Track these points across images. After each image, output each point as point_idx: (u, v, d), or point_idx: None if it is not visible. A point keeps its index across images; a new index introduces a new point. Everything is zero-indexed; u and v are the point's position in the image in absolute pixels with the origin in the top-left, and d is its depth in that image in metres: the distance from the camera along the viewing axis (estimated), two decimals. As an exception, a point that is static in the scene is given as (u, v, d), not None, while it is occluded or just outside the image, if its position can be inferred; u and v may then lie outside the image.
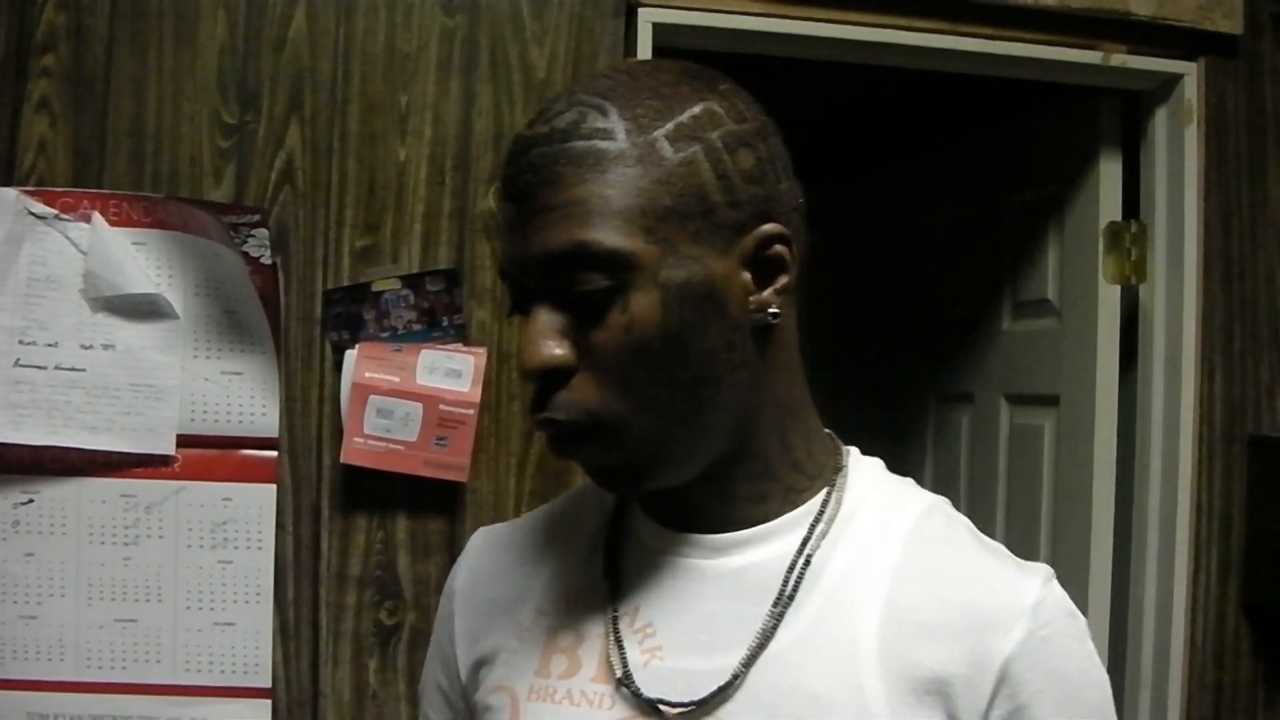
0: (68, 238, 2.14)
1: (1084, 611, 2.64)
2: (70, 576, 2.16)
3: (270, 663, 2.22)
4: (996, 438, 3.38)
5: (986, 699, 1.04)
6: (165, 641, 2.19)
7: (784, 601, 1.10)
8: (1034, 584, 1.09)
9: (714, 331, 1.06)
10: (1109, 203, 2.89)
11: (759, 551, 1.14)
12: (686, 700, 1.09)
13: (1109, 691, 1.12)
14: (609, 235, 1.02)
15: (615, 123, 1.04)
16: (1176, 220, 2.71)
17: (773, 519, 1.15)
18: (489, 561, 1.31)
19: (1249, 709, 2.70)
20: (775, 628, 1.09)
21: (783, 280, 1.11)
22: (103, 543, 2.17)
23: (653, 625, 1.15)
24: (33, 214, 2.13)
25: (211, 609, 2.20)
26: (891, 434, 4.01)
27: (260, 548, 2.22)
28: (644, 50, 2.39)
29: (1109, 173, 2.90)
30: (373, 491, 2.26)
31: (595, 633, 1.17)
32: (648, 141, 1.04)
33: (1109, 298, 2.88)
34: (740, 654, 1.09)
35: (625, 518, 1.24)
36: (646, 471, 1.09)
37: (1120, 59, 2.64)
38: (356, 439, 2.21)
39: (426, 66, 2.29)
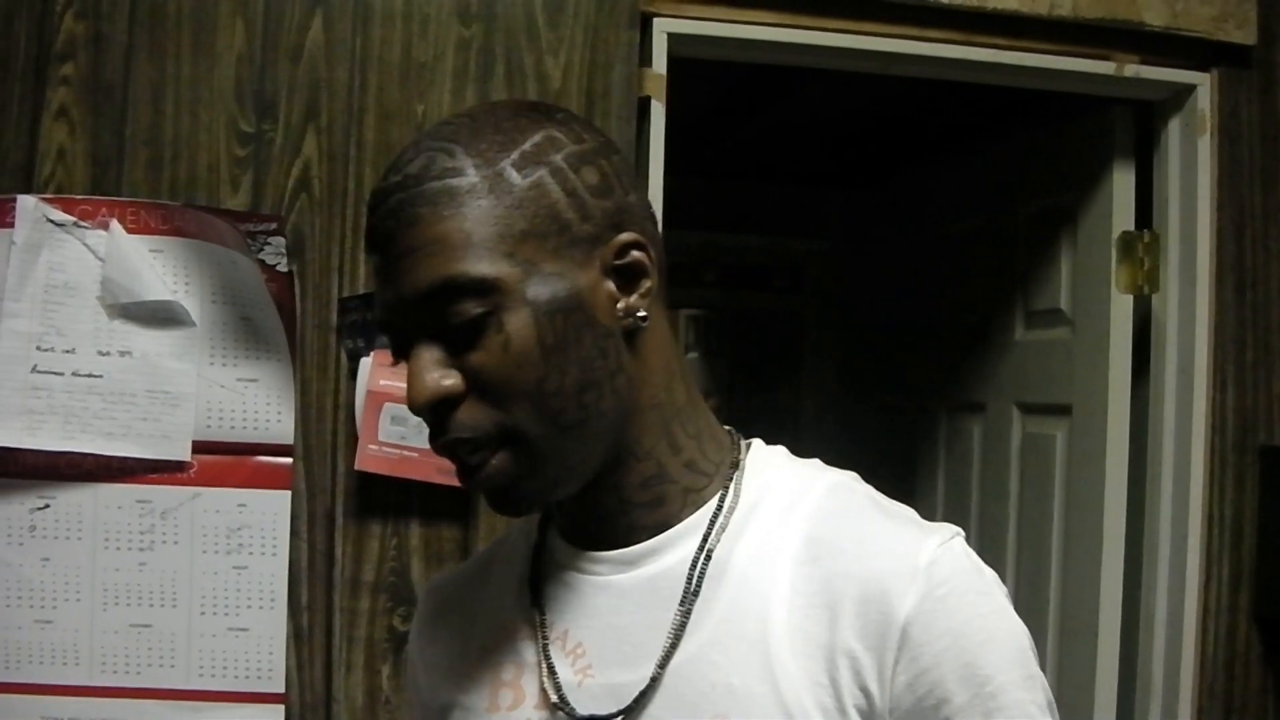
0: (86, 245, 2.16)
1: (1095, 621, 2.66)
2: (85, 581, 2.17)
3: (284, 668, 2.23)
4: (1008, 447, 3.38)
5: (891, 665, 1.04)
6: (179, 646, 2.20)
7: (689, 599, 1.13)
8: (929, 544, 1.08)
9: (587, 340, 1.10)
10: (1122, 212, 2.89)
11: (666, 558, 1.17)
12: (614, 711, 1.12)
13: (1025, 642, 1.09)
14: (473, 265, 1.06)
15: (463, 160, 1.08)
16: (1189, 230, 2.71)
17: (674, 523, 1.17)
18: (439, 613, 1.36)
19: (1259, 719, 2.70)
20: (684, 625, 1.12)
21: (645, 284, 1.14)
22: (118, 548, 2.18)
23: (582, 645, 1.18)
24: (51, 221, 2.14)
25: (226, 614, 2.21)
26: (904, 443, 4.01)
27: (275, 554, 2.23)
28: (659, 61, 2.40)
29: (1122, 182, 2.90)
30: (386, 498, 2.27)
31: (532, 661, 1.20)
32: (495, 172, 1.08)
33: (1121, 307, 2.88)
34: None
35: (546, 544, 1.27)
36: (544, 482, 1.12)
37: (1133, 69, 2.64)
38: (371, 446, 2.22)
39: (443, 76, 2.30)
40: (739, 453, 1.23)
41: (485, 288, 1.05)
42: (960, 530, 1.12)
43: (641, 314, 1.13)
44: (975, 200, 3.59)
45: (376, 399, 2.22)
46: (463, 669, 1.26)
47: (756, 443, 1.26)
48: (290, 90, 2.26)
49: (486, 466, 1.09)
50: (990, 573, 1.11)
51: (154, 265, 2.18)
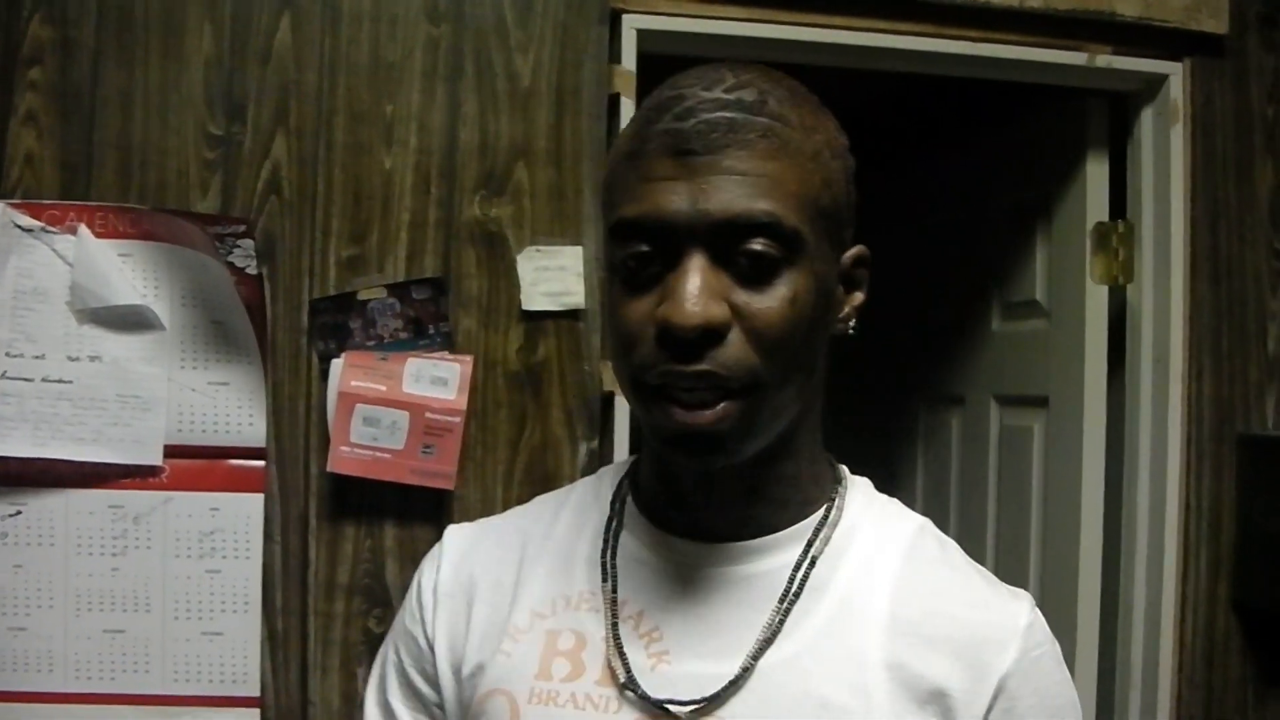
0: (54, 250, 2.14)
1: (1074, 612, 2.65)
2: (59, 588, 2.16)
3: (259, 672, 2.22)
4: (987, 439, 3.38)
5: (984, 710, 1.09)
6: (154, 652, 2.19)
7: (789, 599, 1.14)
8: (1024, 608, 1.16)
9: (822, 328, 1.14)
10: (1096, 203, 2.89)
11: (769, 560, 1.17)
12: (698, 697, 1.11)
13: (1081, 713, 1.19)
14: (791, 213, 1.06)
15: (790, 113, 1.10)
16: (1164, 220, 2.70)
17: (785, 528, 1.18)
18: (472, 558, 1.31)
19: (1239, 708, 2.70)
20: (782, 624, 1.13)
21: (860, 298, 1.20)
22: (91, 554, 2.17)
23: (659, 630, 1.16)
24: (19, 227, 2.13)
25: (200, 619, 2.20)
26: (882, 436, 4.01)
27: (248, 557, 2.21)
28: (628, 58, 2.39)
29: (1095, 173, 2.89)
30: (360, 500, 2.26)
31: (598, 636, 1.18)
32: (816, 143, 1.11)
33: (1097, 298, 2.88)
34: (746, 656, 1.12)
35: (623, 523, 1.25)
36: (749, 440, 1.10)
37: (1106, 60, 2.64)
38: (343, 448, 2.21)
39: (412, 76, 2.29)
40: (839, 473, 1.27)
41: (796, 241, 1.07)
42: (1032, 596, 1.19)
43: (853, 323, 1.19)
44: (951, 193, 3.59)
45: (348, 400, 2.21)
46: (499, 627, 1.23)
47: (845, 469, 1.28)
48: (259, 93, 2.24)
49: (715, 409, 1.06)
50: (1057, 642, 1.19)
51: (123, 269, 2.17)
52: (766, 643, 1.12)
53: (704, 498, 1.18)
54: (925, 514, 1.26)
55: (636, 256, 1.08)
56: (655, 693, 1.12)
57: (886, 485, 1.30)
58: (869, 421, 4.09)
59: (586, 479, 1.37)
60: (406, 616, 1.33)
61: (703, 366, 1.05)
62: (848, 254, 1.18)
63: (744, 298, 1.06)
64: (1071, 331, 2.94)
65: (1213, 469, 2.69)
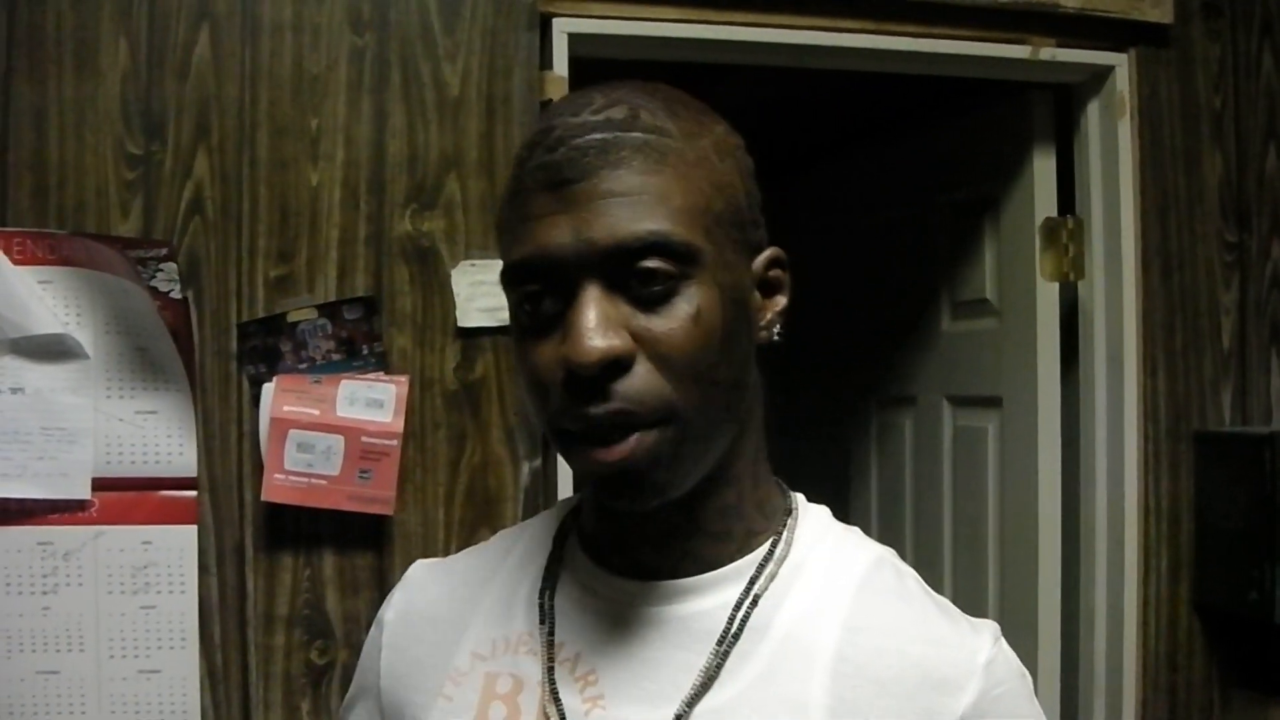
0: (-31, 279, 2.08)
1: (1034, 616, 2.63)
2: (-14, 629, 2.10)
3: (199, 709, 2.16)
4: (940, 440, 3.35)
5: None
6: (89, 692, 2.13)
7: (728, 641, 1.08)
8: (985, 642, 1.08)
9: (744, 340, 1.08)
10: (1044, 199, 2.86)
11: (708, 599, 1.11)
12: None
13: None
14: (680, 228, 1.01)
15: (667, 123, 1.05)
16: (1113, 215, 2.69)
17: (728, 563, 1.12)
18: (424, 598, 1.27)
19: (1204, 710, 2.69)
20: (719, 668, 1.07)
21: (782, 302, 1.14)
22: (20, 593, 2.12)
23: (595, 673, 1.11)
24: (-68, 256, 2.07)
25: (135, 656, 2.15)
26: (834, 439, 3.98)
27: (183, 591, 2.16)
28: (560, 63, 2.34)
29: (1043, 168, 2.87)
30: (297, 529, 2.21)
31: (534, 680, 1.13)
32: (699, 147, 1.06)
33: (1048, 296, 2.85)
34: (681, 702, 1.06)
35: (564, 561, 1.20)
36: (676, 473, 1.04)
37: (1050, 52, 2.61)
38: (277, 475, 2.15)
39: (336, 87, 2.23)
40: (791, 502, 1.20)
41: (690, 255, 1.01)
42: (999, 628, 1.12)
43: (778, 329, 1.13)
44: (897, 190, 3.56)
45: (281, 426, 2.15)
46: (442, 668, 1.19)
47: (800, 497, 1.22)
48: (179, 109, 2.18)
49: (632, 444, 1.00)
50: (1029, 676, 1.12)
51: (43, 297, 2.11)
52: (702, 688, 1.06)
53: (640, 534, 1.12)
54: (880, 517, 1.22)
55: (530, 298, 1.04)
56: None
57: (841, 488, 1.25)
58: (821, 424, 4.06)
59: (546, 513, 1.32)
60: (364, 652, 1.31)
61: (612, 405, 0.99)
62: (760, 257, 1.12)
63: (644, 322, 1.00)
64: (1023, 330, 2.91)
65: (1170, 467, 2.68)
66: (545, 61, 2.34)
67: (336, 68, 2.23)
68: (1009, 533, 2.99)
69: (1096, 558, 2.72)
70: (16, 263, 2.10)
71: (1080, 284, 2.79)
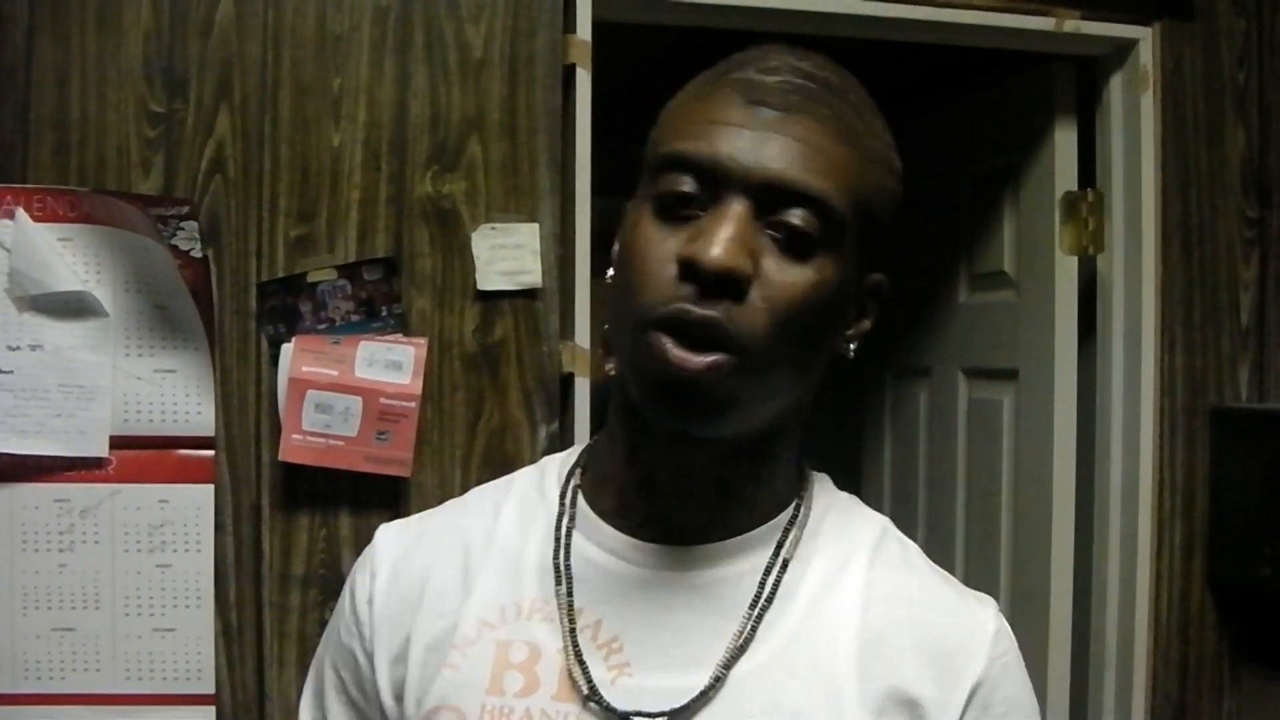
0: (-10, 235, 2.08)
1: (1046, 590, 2.64)
2: (4, 585, 2.10)
3: (214, 668, 2.16)
4: (955, 413, 3.35)
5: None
6: (104, 649, 2.13)
7: (761, 605, 1.09)
8: (990, 614, 1.14)
9: (832, 332, 1.10)
10: (1064, 172, 2.85)
11: (734, 565, 1.12)
12: (665, 709, 1.06)
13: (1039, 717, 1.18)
14: (843, 201, 1.03)
15: (867, 114, 1.09)
16: (1134, 189, 2.67)
17: (752, 529, 1.14)
18: (409, 564, 1.21)
19: (1214, 685, 2.68)
20: (755, 629, 1.08)
21: (867, 326, 1.16)
22: (37, 550, 2.11)
23: (619, 640, 1.10)
24: (-48, 212, 2.07)
25: (151, 614, 2.14)
26: (849, 410, 3.97)
27: (200, 550, 2.15)
28: (583, 26, 2.32)
29: (1064, 142, 2.86)
30: (314, 489, 2.20)
31: (553, 648, 1.11)
32: (879, 150, 1.10)
33: (1066, 269, 2.85)
34: (714, 667, 1.07)
35: (574, 525, 1.17)
36: (732, 412, 1.04)
37: (1074, 24, 2.59)
38: (295, 435, 2.15)
39: (359, 48, 2.22)
40: (804, 470, 1.23)
41: (839, 226, 1.03)
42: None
43: (853, 348, 1.15)
44: (917, 163, 3.51)
45: (299, 386, 2.15)
46: (445, 637, 1.15)
47: (804, 465, 1.24)
48: (201, 67, 2.17)
49: (719, 359, 1.00)
50: None
51: (63, 254, 2.10)
52: (739, 652, 1.07)
53: (676, 487, 1.11)
54: (893, 489, 1.25)
55: (676, 195, 1.04)
56: (620, 706, 1.06)
57: (853, 460, 1.27)
58: (835, 395, 4.05)
59: (525, 471, 1.29)
60: (342, 630, 1.24)
61: (713, 313, 0.99)
62: (871, 277, 1.14)
63: (772, 265, 1.01)
64: (1041, 303, 2.91)
65: (1185, 442, 2.67)
66: (569, 24, 2.32)
67: (360, 28, 2.22)
68: (1022, 505, 2.99)
69: (1110, 532, 2.71)
70: (37, 220, 2.09)
71: (1100, 258, 2.78)
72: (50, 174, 2.12)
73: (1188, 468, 2.67)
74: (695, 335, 1.00)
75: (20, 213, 2.08)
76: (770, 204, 1.01)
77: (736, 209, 1.01)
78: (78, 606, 2.12)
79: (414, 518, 1.31)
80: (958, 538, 3.24)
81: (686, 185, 1.03)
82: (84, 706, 2.12)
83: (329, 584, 2.20)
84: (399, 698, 1.16)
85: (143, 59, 2.15)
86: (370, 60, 2.23)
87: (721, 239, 0.99)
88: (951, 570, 1.21)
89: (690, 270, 0.99)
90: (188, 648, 2.15)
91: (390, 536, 1.27)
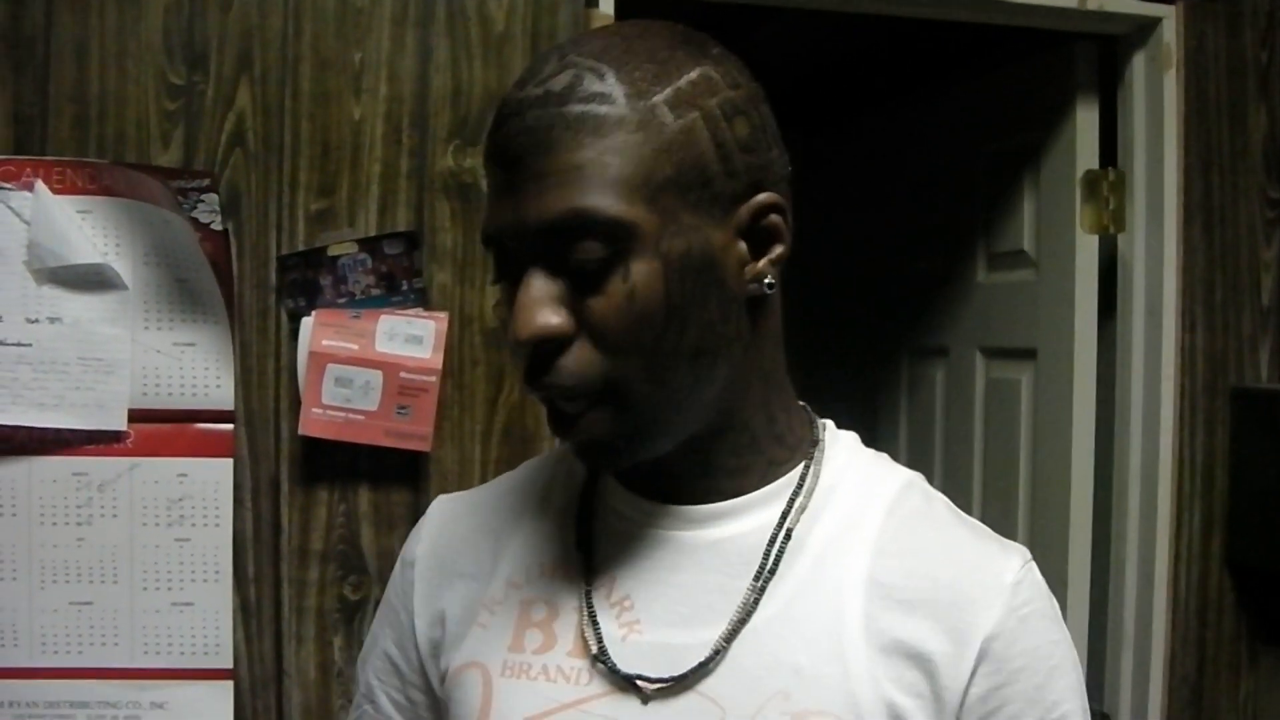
0: (10, 207, 2.07)
1: (1064, 570, 2.64)
2: (22, 559, 2.10)
3: (231, 642, 2.16)
4: (972, 392, 3.34)
5: (967, 675, 1.05)
6: (122, 623, 2.13)
7: (765, 575, 1.10)
8: (1014, 564, 1.10)
9: (713, 303, 1.05)
10: (1086, 151, 2.84)
11: (739, 524, 1.13)
12: (666, 676, 1.07)
13: (1082, 673, 1.13)
14: (610, 203, 0.99)
15: (613, 86, 1.01)
16: (1156, 168, 2.66)
17: (752, 491, 1.14)
18: (453, 531, 1.28)
19: (1233, 666, 2.68)
20: (757, 601, 1.09)
21: (778, 250, 1.09)
22: (55, 523, 2.11)
23: (630, 598, 1.13)
24: (-28, 184, 2.06)
25: (169, 589, 2.14)
26: (865, 390, 3.97)
27: (218, 524, 2.15)
28: (606, 0, 2.30)
29: (1086, 120, 2.84)
30: (333, 463, 2.20)
31: (570, 606, 1.14)
32: (647, 106, 1.01)
33: (1087, 248, 2.83)
34: (721, 627, 1.08)
35: (597, 488, 1.21)
36: (640, 441, 1.06)
37: (1097, 2, 2.58)
38: (315, 410, 2.15)
39: (380, 21, 2.21)
40: (818, 431, 1.20)
41: (620, 231, 0.99)
42: (1029, 553, 1.14)
43: (769, 281, 1.08)
44: (937, 141, 3.54)
45: (319, 360, 2.14)
46: (477, 598, 1.20)
47: (830, 423, 1.23)
48: (221, 40, 2.16)
49: (582, 419, 1.04)
50: (1056, 602, 1.14)
51: (82, 227, 2.10)
52: (744, 611, 1.08)
53: (656, 469, 1.13)
54: (909, 468, 1.21)
55: (499, 271, 1.07)
56: (625, 666, 1.09)
57: (868, 440, 1.26)
58: (852, 374, 4.05)
59: None
60: (391, 591, 1.31)
61: (553, 380, 1.02)
62: (744, 208, 1.06)
63: (581, 303, 1.01)
64: (1060, 282, 2.89)
65: (1205, 423, 2.66)
66: (591, -1, 2.32)
67: (381, 1, 2.21)
68: (1040, 486, 2.99)
69: (1129, 512, 2.71)
70: (56, 192, 2.08)
71: (1120, 237, 2.76)
72: (70, 147, 2.11)
73: (1207, 448, 2.66)
74: (556, 407, 1.05)
75: (40, 185, 2.07)
76: (554, 250, 1.00)
77: (530, 273, 1.02)
78: (96, 580, 2.12)
79: (473, 489, 1.36)
80: (974, 518, 3.23)
81: (501, 260, 1.06)
82: (102, 680, 2.12)
83: (348, 559, 2.20)
84: (435, 656, 1.22)
85: (163, 31, 2.14)
86: (391, 34, 2.21)
87: (520, 310, 1.01)
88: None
89: (519, 350, 1.02)
90: (206, 622, 2.15)
91: (443, 505, 1.33)
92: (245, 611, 2.19)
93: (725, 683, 1.06)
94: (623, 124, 1.00)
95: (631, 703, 1.08)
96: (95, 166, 2.10)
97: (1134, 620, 2.69)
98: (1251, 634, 2.69)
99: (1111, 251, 2.81)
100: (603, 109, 1.00)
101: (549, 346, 1.01)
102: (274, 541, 2.20)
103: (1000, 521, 3.02)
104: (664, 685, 1.07)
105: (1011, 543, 1.15)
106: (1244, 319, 2.67)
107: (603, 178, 0.99)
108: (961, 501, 1.19)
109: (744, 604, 1.08)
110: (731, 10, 2.25)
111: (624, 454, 1.07)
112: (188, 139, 2.15)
